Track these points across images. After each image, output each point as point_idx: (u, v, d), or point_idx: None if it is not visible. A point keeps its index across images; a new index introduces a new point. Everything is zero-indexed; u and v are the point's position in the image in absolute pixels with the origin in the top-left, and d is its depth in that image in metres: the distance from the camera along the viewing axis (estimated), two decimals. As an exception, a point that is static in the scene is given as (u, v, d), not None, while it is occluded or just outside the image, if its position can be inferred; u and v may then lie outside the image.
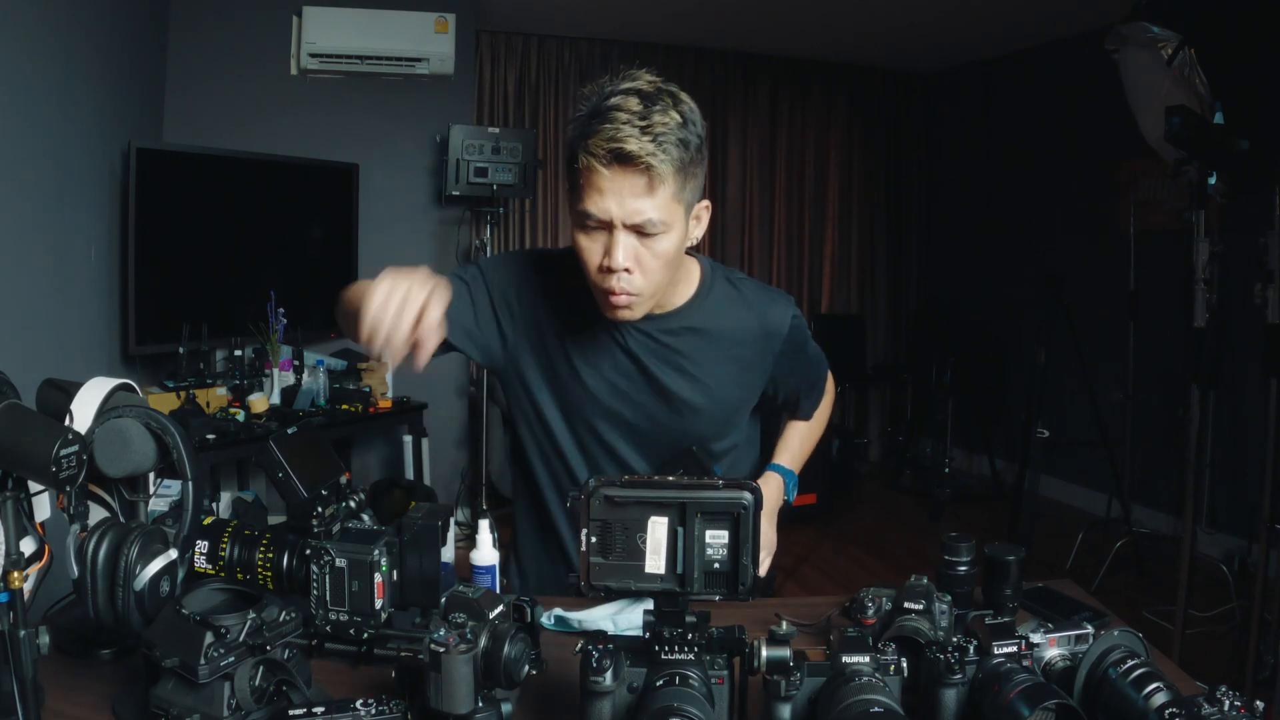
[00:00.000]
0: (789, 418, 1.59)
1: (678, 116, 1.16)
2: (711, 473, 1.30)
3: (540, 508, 1.45)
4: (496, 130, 4.14)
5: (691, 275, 1.35)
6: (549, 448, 1.40)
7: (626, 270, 1.19)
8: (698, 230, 1.27)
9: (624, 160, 1.13)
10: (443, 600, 0.97)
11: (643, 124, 1.13)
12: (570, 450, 1.39)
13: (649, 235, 1.18)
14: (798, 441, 1.58)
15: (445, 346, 1.30)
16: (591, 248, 1.20)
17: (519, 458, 1.46)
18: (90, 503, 1.04)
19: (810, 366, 1.48)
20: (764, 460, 1.55)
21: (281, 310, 3.42)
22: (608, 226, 1.18)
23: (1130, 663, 0.94)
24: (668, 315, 1.33)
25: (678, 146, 1.15)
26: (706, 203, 1.27)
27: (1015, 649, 0.95)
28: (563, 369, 1.35)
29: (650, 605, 0.95)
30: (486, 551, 1.29)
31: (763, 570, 1.42)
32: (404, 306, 1.01)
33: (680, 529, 0.93)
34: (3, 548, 0.88)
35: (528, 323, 1.35)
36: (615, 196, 1.15)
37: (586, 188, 1.17)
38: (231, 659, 0.92)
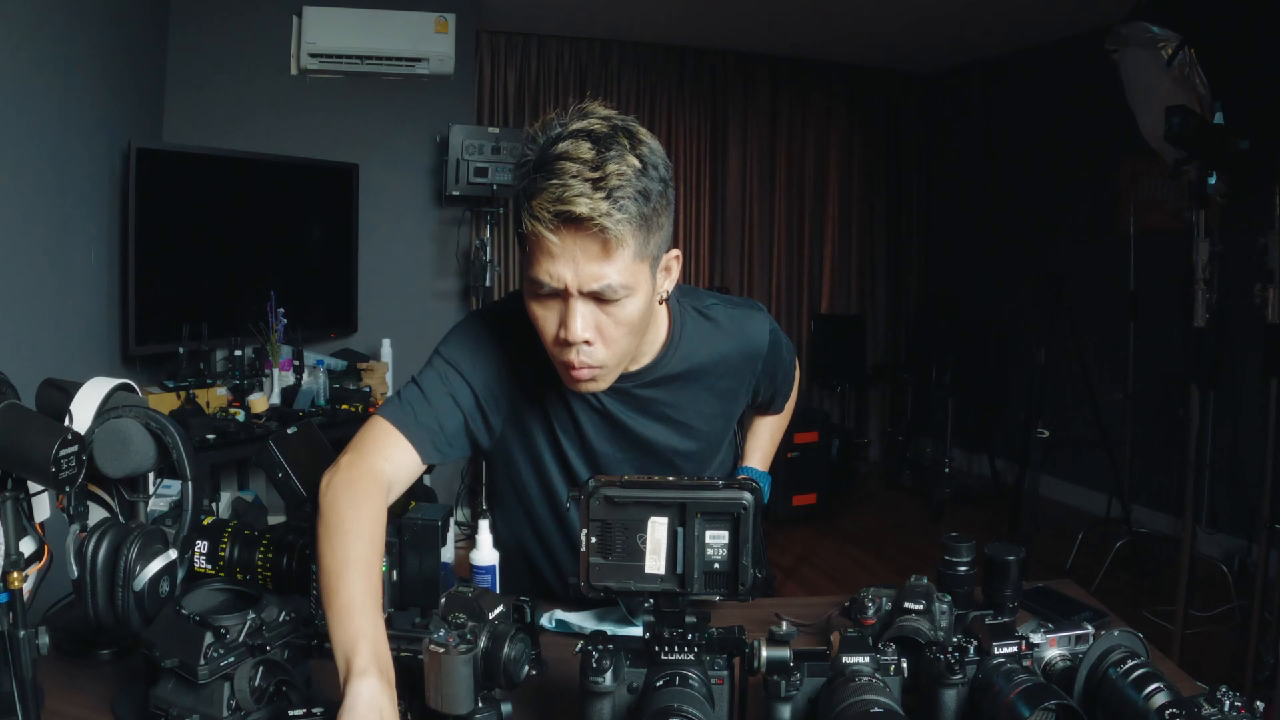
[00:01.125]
0: (758, 415, 1.56)
1: (635, 162, 1.02)
2: None
3: (530, 565, 1.39)
4: (496, 130, 4.14)
5: (660, 322, 1.22)
6: (539, 518, 1.34)
7: (586, 342, 1.07)
8: (668, 283, 1.15)
9: (575, 223, 0.99)
10: (442, 600, 0.97)
11: (595, 176, 0.99)
12: (559, 521, 1.33)
13: (610, 301, 1.04)
14: (768, 438, 1.56)
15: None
16: (546, 317, 1.08)
17: (502, 512, 1.39)
18: (90, 503, 1.04)
19: (785, 369, 1.44)
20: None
21: (281, 310, 3.42)
22: (562, 295, 1.04)
23: (1130, 663, 0.94)
24: (642, 371, 1.22)
25: (636, 200, 1.01)
26: (677, 252, 1.15)
27: (1015, 649, 0.96)
28: (547, 445, 1.28)
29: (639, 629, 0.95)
30: (486, 551, 1.29)
31: None
32: None
33: (680, 529, 0.93)
34: (2, 548, 0.88)
35: (512, 408, 1.25)
36: (568, 262, 1.01)
37: (536, 252, 1.03)
38: (231, 659, 0.92)
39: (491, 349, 1.23)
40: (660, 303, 1.17)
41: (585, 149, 1.01)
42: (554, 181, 1.00)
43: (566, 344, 1.07)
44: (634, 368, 1.22)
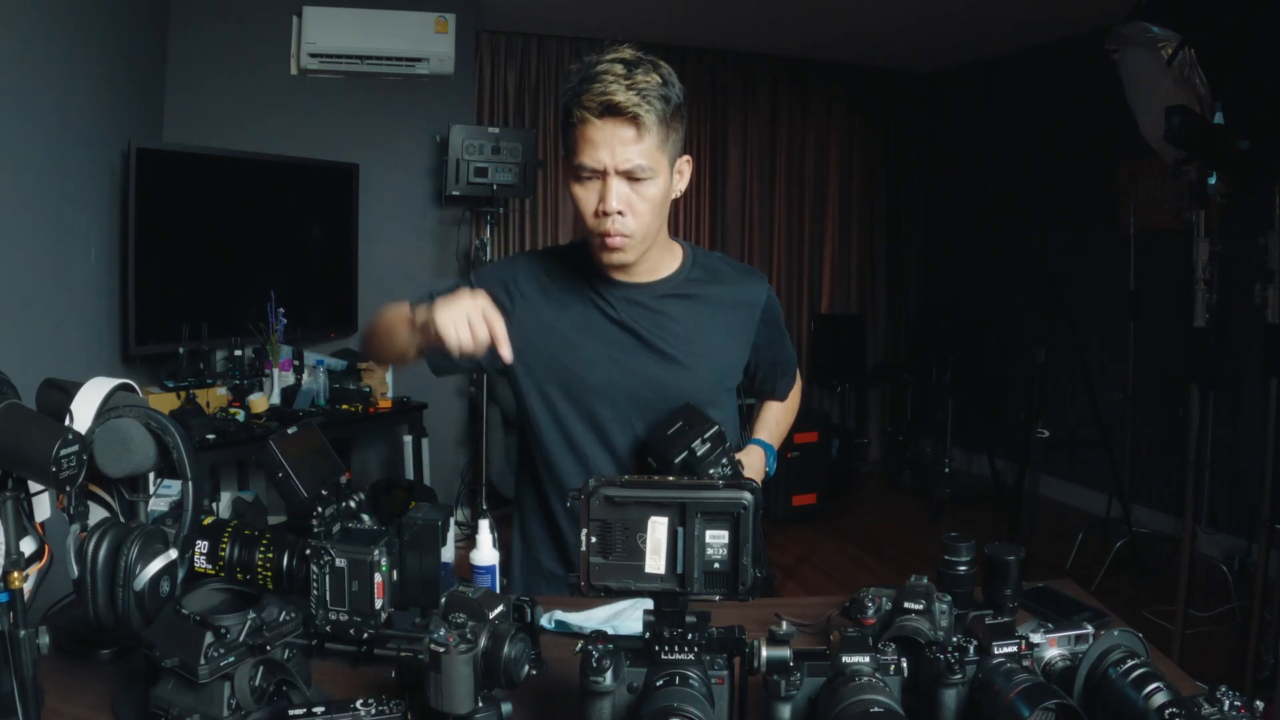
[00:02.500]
0: (764, 399, 1.65)
1: (658, 78, 1.30)
2: (709, 423, 1.32)
3: (545, 505, 1.47)
4: (496, 130, 4.14)
5: (676, 252, 1.47)
6: (554, 438, 1.43)
7: (620, 213, 1.30)
8: (680, 184, 1.39)
9: (613, 111, 1.26)
10: (443, 600, 0.97)
11: (628, 81, 1.26)
12: (574, 437, 1.42)
13: (638, 180, 1.30)
14: (774, 420, 1.66)
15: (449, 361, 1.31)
16: (587, 197, 1.32)
17: (526, 457, 1.50)
18: (90, 503, 1.04)
19: (785, 345, 1.58)
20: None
21: (281, 310, 3.42)
22: (601, 175, 1.30)
23: (1130, 663, 0.94)
24: (656, 283, 1.43)
25: (660, 100, 1.28)
26: (688, 157, 1.39)
27: (1015, 649, 0.95)
28: (561, 353, 1.41)
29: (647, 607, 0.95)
30: (486, 551, 1.29)
31: None
32: (475, 321, 1.17)
33: (680, 529, 0.93)
34: (3, 548, 0.88)
35: (526, 312, 1.41)
36: (607, 146, 1.28)
37: (580, 141, 1.29)
38: (231, 659, 0.92)
39: (518, 263, 1.50)
40: (674, 198, 1.40)
41: (619, 67, 1.28)
42: (597, 84, 1.27)
43: (604, 215, 1.31)
44: (650, 279, 1.43)
